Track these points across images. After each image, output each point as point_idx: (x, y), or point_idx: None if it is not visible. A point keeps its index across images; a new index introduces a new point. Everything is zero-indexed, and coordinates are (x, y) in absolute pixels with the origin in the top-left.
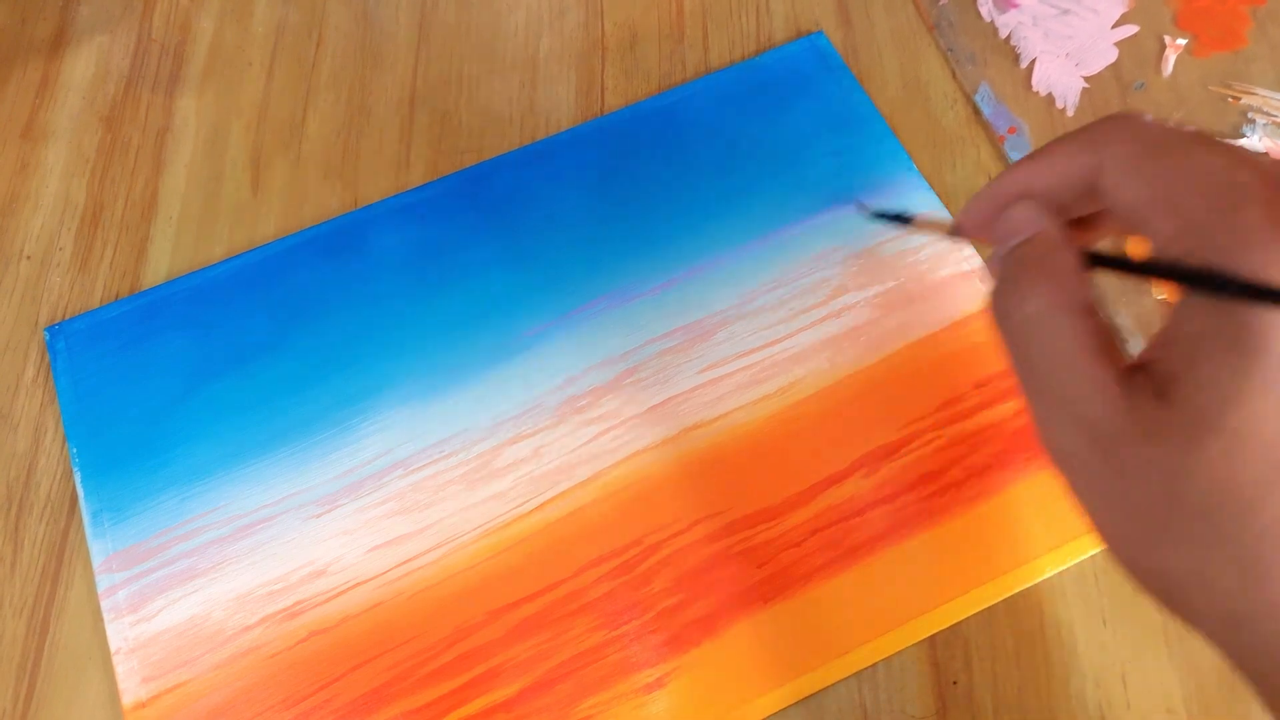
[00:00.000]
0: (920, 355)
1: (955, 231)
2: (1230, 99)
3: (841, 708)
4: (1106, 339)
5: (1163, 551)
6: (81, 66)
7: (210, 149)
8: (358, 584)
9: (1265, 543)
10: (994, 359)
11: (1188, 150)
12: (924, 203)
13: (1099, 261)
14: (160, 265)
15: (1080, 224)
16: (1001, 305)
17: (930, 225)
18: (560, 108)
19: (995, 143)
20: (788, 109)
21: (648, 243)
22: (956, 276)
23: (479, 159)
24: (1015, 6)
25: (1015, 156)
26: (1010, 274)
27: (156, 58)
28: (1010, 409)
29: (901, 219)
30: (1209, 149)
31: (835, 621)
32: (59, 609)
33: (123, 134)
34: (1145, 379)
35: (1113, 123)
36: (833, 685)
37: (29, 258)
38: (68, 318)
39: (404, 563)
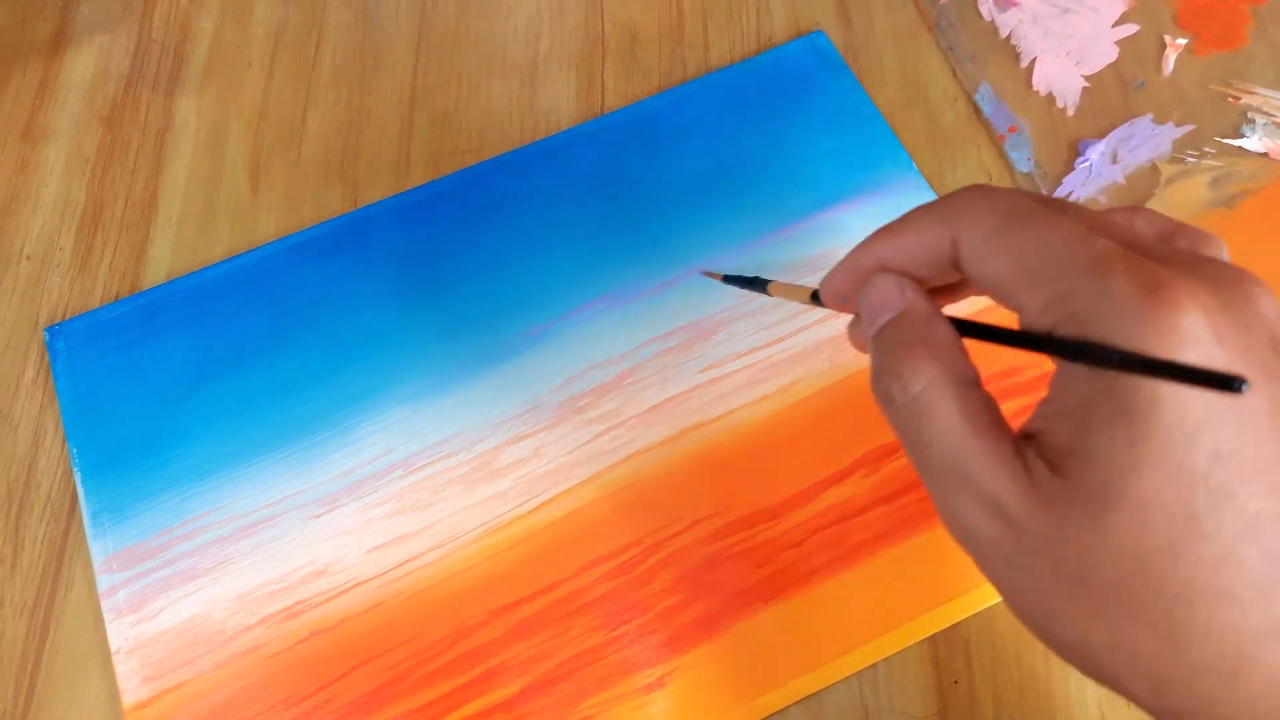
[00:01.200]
0: None
1: (816, 300)
2: (1230, 98)
3: (842, 708)
4: (995, 412)
5: (1080, 625)
6: (81, 66)
7: (210, 149)
8: (358, 584)
9: (1180, 607)
10: (994, 358)
11: (1045, 220)
12: (924, 202)
13: (969, 331)
14: (160, 265)
15: (944, 291)
16: (885, 389)
17: (787, 291)
18: (560, 108)
19: (996, 142)
20: (788, 109)
21: (647, 242)
22: None
23: (479, 159)
24: (1015, 5)
25: (1015, 156)
26: (887, 355)
27: (156, 58)
28: (1011, 409)
29: (756, 283)
30: (1065, 217)
31: (836, 621)
32: (59, 609)
33: (123, 134)
34: (1038, 453)
35: (966, 195)
36: (833, 685)
37: (29, 258)
38: (68, 318)
39: (404, 563)
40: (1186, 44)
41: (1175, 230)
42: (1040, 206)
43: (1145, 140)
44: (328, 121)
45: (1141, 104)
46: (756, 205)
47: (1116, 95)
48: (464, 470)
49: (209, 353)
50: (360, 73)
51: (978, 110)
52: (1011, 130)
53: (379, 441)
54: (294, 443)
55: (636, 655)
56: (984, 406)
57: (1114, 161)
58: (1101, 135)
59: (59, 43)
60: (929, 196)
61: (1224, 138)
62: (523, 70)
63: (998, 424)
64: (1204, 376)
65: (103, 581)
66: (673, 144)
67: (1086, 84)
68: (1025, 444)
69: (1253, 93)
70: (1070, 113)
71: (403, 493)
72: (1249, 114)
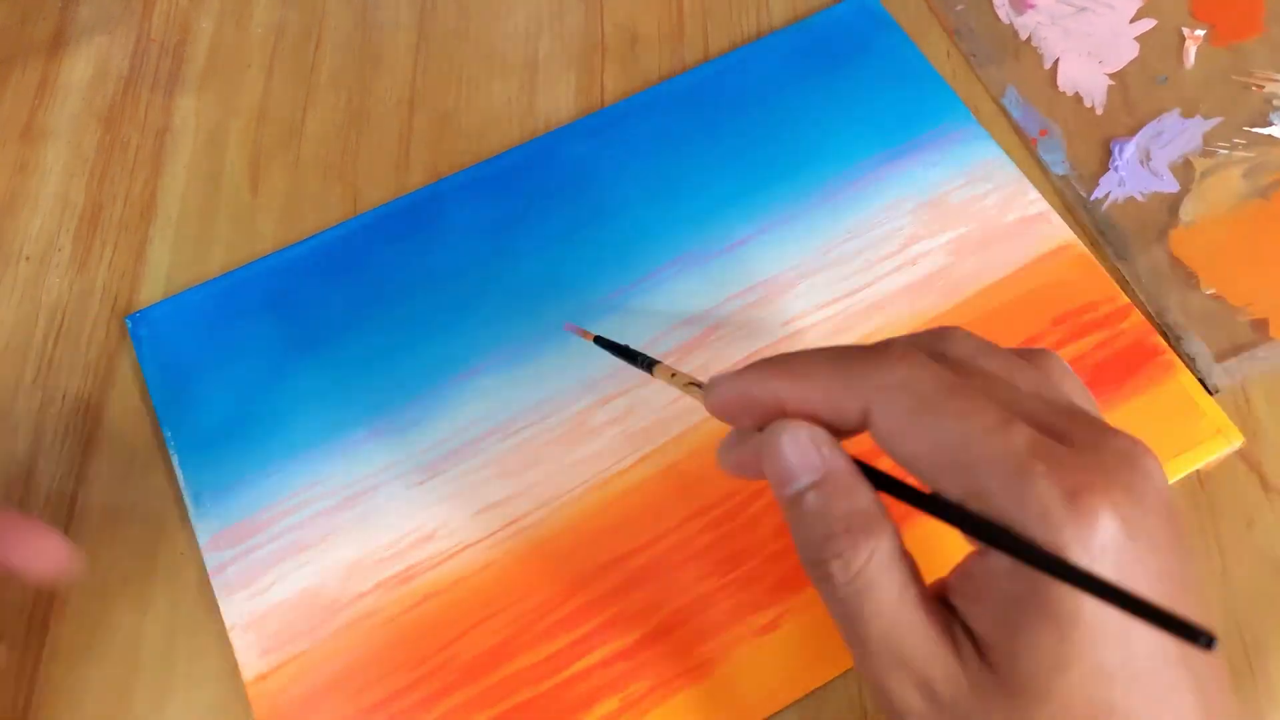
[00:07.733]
0: (996, 296)
1: (695, 388)
2: (1254, 86)
3: (841, 709)
4: (922, 583)
5: None
6: (81, 66)
7: (209, 149)
8: (467, 545)
9: None
10: (1070, 295)
11: (961, 407)
12: (989, 154)
13: (886, 486)
14: (159, 266)
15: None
16: (822, 566)
17: (669, 375)
18: (560, 108)
19: (1028, 145)
20: (845, 65)
21: (717, 203)
22: (1026, 220)
23: (477, 160)
24: (1032, 7)
25: (1049, 159)
26: (818, 528)
27: (156, 58)
28: (1089, 343)
29: (638, 359)
30: (979, 402)
31: None
32: (59, 610)
33: (122, 134)
34: (966, 637)
35: (878, 364)
36: (831, 684)
37: (28, 258)
38: (143, 307)
39: (511, 522)
40: (1205, 35)
41: (1062, 399)
42: (956, 388)
43: (1175, 135)
44: (327, 122)
45: (1169, 98)
46: (821, 162)
47: (1143, 91)
48: (561, 431)
49: (295, 331)
50: (360, 73)
51: (1006, 115)
52: (1043, 134)
53: (472, 410)
54: (387, 415)
55: (749, 599)
56: (914, 578)
57: (1147, 159)
58: (1132, 133)
59: (58, 43)
60: (990, 145)
61: (1252, 127)
62: (523, 70)
63: (927, 599)
64: (1174, 623)
65: (211, 560)
66: (733, 107)
67: (1111, 82)
68: (954, 624)
69: (1275, 80)
70: (1099, 111)
71: (502, 456)
72: (1274, 101)
